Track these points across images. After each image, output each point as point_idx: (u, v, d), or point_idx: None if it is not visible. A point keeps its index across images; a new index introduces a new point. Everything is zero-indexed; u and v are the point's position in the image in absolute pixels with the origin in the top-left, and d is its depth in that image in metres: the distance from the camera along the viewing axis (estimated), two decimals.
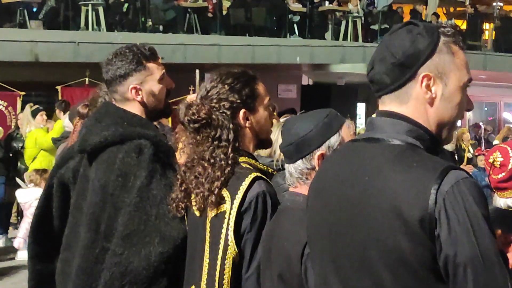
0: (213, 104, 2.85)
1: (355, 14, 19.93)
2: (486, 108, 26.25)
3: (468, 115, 24.86)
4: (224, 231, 2.73)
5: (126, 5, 18.45)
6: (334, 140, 2.59)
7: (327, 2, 20.42)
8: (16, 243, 10.51)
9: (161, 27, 18.48)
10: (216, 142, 2.83)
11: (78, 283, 3.19)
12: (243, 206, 2.71)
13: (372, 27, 20.74)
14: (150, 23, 18.55)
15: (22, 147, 11.60)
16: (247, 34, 18.85)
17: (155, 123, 3.74)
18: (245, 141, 2.95)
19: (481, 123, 21.96)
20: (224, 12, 19.62)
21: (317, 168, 2.55)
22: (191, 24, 18.58)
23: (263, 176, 2.82)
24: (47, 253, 3.52)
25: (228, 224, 2.72)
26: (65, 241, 3.36)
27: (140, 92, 3.31)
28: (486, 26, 23.49)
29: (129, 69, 3.26)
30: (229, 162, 2.79)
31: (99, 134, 3.26)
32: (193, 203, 2.85)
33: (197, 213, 2.84)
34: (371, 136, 2.08)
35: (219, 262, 2.75)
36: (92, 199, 3.22)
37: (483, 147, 17.05)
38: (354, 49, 19.03)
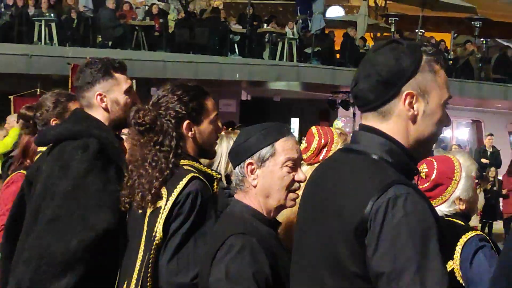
0: (160, 111, 2.89)
1: (291, 36, 20.40)
2: None
3: None
4: (158, 225, 2.76)
5: (75, 21, 18.44)
6: (265, 151, 2.53)
7: (265, 25, 20.75)
8: None
9: (110, 43, 18.38)
10: (157, 147, 2.85)
11: (12, 266, 3.24)
12: (177, 201, 2.75)
13: (306, 50, 21.12)
14: (100, 39, 18.52)
15: None
16: (191, 52, 19.13)
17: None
18: (188, 149, 2.96)
19: None
20: (170, 31, 19.93)
21: (247, 176, 2.56)
22: (138, 41, 18.78)
23: (201, 177, 2.84)
24: None
25: (161, 218, 2.75)
26: (22, 232, 3.32)
27: (104, 99, 3.32)
28: None
29: (97, 76, 3.29)
30: (170, 165, 2.82)
31: (56, 130, 3.42)
32: (135, 201, 2.88)
33: (139, 210, 2.86)
34: (349, 147, 2.10)
35: (139, 261, 2.82)
36: (37, 188, 3.25)
37: None
38: (289, 68, 19.40)
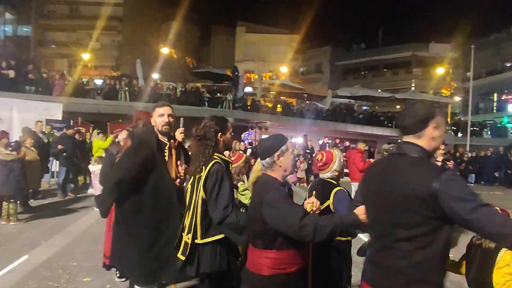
0: (206, 129, 2.57)
1: (229, 99, 20.17)
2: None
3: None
4: (200, 186, 2.49)
5: (137, 90, 17.95)
6: (283, 147, 2.18)
7: (218, 94, 20.76)
8: (90, 190, 9.70)
9: (152, 100, 16.82)
10: (205, 146, 2.53)
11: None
12: (208, 174, 2.46)
13: (236, 104, 20.52)
14: (147, 99, 17.46)
15: (91, 147, 10.85)
16: (186, 105, 18.49)
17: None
18: (219, 148, 2.60)
19: None
20: (177, 95, 19.34)
21: (276, 162, 2.16)
22: (164, 99, 17.30)
23: (220, 162, 2.50)
24: None
25: (201, 182, 2.48)
26: None
27: (152, 121, 3.00)
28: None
29: (151, 110, 3.03)
30: (209, 156, 2.51)
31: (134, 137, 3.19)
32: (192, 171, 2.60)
33: (194, 176, 2.58)
34: (399, 152, 1.78)
35: (193, 201, 2.52)
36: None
37: None
38: (228, 112, 19.18)
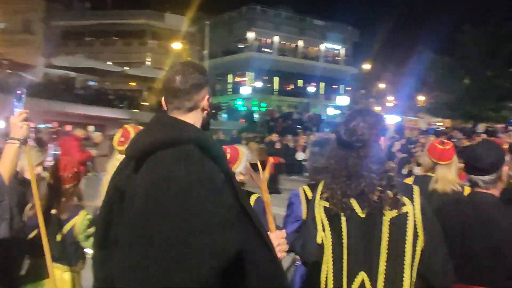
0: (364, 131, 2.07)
1: None
2: None
3: None
4: (410, 228, 2.02)
5: None
6: (506, 157, 2.14)
7: None
8: None
9: None
10: (368, 159, 2.06)
11: (120, 277, 1.47)
12: (421, 208, 2.04)
13: None
14: None
15: None
16: None
17: None
18: None
19: None
20: None
21: (502, 177, 2.19)
22: None
23: None
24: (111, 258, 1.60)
25: (414, 222, 2.01)
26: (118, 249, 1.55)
27: (199, 104, 1.76)
28: None
29: (204, 80, 1.78)
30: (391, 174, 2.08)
31: (147, 139, 1.68)
32: (358, 205, 2.05)
33: (362, 214, 2.05)
34: None
35: (408, 252, 2.01)
36: (137, 204, 1.54)
37: None
38: None
